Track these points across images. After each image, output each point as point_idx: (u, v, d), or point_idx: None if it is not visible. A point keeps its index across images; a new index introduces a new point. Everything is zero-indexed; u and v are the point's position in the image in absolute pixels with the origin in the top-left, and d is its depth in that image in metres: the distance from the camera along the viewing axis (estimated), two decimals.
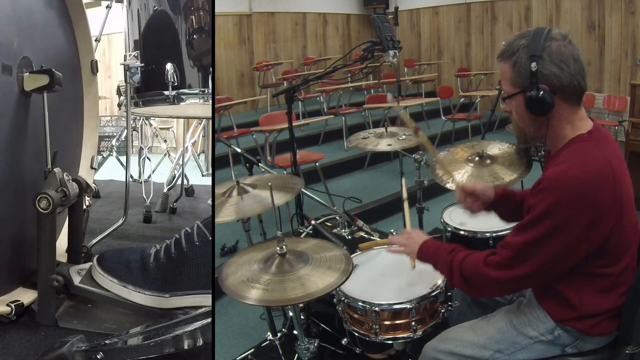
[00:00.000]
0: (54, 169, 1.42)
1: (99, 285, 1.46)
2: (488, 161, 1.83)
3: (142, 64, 1.82)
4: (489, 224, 1.71)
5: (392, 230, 1.76)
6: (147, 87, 1.85)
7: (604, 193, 1.05)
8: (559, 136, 1.16)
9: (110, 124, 6.61)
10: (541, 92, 1.10)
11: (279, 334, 1.95)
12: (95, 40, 2.61)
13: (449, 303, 1.42)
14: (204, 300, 1.43)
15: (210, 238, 1.45)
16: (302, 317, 1.72)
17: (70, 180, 1.50)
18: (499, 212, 1.48)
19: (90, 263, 1.53)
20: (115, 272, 1.45)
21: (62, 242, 1.69)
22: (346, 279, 1.16)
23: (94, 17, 2.08)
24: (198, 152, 4.40)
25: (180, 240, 1.46)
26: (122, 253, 1.53)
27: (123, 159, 4.10)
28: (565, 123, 1.15)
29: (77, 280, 1.47)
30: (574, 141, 1.13)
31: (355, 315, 1.38)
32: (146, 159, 4.12)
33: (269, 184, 1.31)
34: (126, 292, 1.43)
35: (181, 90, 1.78)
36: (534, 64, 1.10)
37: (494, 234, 1.72)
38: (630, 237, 1.14)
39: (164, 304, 1.43)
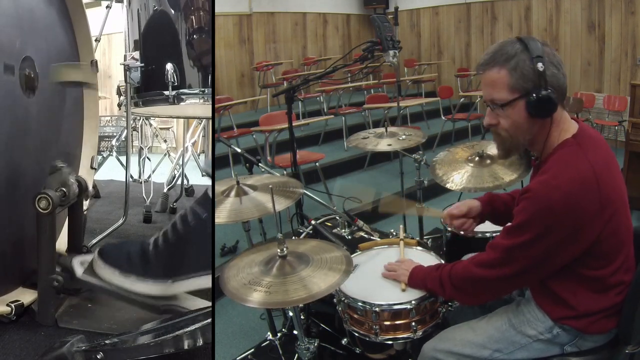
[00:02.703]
0: (64, 168, 1.42)
1: (101, 278, 1.45)
2: (488, 161, 1.83)
3: (142, 64, 1.82)
4: (489, 224, 1.71)
5: (392, 230, 1.76)
6: (147, 87, 1.85)
7: (588, 202, 1.06)
8: (548, 140, 1.16)
9: (110, 124, 6.61)
10: (549, 90, 1.09)
11: (279, 334, 1.95)
12: (95, 40, 2.61)
13: (449, 303, 1.42)
14: (207, 281, 1.43)
15: (205, 216, 1.44)
16: (302, 317, 1.72)
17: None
18: (490, 219, 1.52)
19: (92, 254, 1.53)
20: (117, 263, 1.45)
21: (62, 242, 1.69)
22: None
23: (94, 17, 2.08)
24: (198, 152, 4.39)
25: (176, 223, 1.46)
26: (122, 245, 1.52)
27: (123, 159, 4.09)
28: (555, 126, 1.15)
29: (79, 272, 1.46)
30: (560, 147, 1.14)
31: (355, 316, 1.38)
32: (146, 159, 4.12)
33: (270, 186, 1.31)
34: (129, 283, 1.42)
35: (181, 90, 1.78)
36: (540, 64, 1.09)
37: (494, 234, 1.71)
38: (624, 237, 1.15)
39: (168, 291, 1.43)
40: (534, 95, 1.10)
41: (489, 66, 1.15)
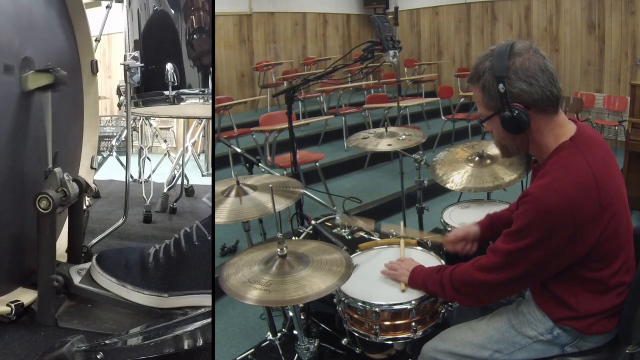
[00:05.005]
0: (55, 169, 1.43)
1: (98, 284, 1.46)
2: (488, 161, 1.83)
3: (142, 64, 1.82)
4: None
5: (392, 231, 1.76)
6: (147, 87, 1.85)
7: (588, 204, 1.06)
8: (542, 147, 1.16)
9: (110, 124, 6.60)
10: (515, 112, 1.11)
11: (279, 334, 1.95)
12: (95, 40, 2.61)
13: (449, 303, 1.42)
14: (203, 300, 1.44)
15: (210, 238, 1.45)
16: (302, 317, 1.72)
17: (70, 180, 1.50)
18: (492, 239, 1.51)
19: (90, 263, 1.53)
20: (114, 272, 1.45)
21: (62, 242, 1.69)
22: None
23: (94, 17, 2.08)
24: (198, 152, 4.39)
25: (180, 240, 1.46)
26: (121, 253, 1.53)
27: (123, 159, 4.10)
28: (546, 133, 1.15)
29: (77, 280, 1.47)
30: (557, 151, 1.13)
31: (355, 316, 1.38)
32: (146, 159, 4.12)
33: (270, 185, 1.31)
34: (125, 292, 1.43)
35: (181, 90, 1.78)
36: (501, 86, 1.10)
37: None
38: (624, 238, 1.15)
39: (163, 304, 1.43)
40: (502, 114, 1.12)
41: (470, 82, 1.20)
